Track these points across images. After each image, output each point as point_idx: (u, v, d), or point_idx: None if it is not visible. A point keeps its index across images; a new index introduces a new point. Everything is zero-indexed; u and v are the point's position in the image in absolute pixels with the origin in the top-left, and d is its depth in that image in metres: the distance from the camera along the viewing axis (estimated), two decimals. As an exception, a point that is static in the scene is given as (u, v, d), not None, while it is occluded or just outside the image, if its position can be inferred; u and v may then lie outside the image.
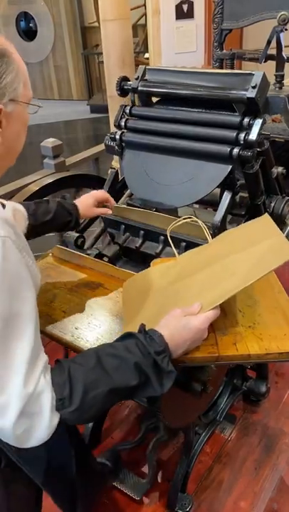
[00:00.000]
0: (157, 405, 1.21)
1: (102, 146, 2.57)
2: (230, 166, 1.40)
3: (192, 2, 3.68)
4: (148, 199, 1.57)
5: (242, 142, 1.36)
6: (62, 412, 0.80)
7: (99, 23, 4.30)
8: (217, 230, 1.39)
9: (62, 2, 7.70)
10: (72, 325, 1.22)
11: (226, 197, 1.43)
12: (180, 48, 3.78)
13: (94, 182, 2.14)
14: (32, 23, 8.09)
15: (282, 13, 1.90)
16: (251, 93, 1.38)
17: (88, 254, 1.51)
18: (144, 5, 4.94)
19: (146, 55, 5.45)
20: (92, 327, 1.21)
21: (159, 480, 1.71)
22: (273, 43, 1.97)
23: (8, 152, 0.93)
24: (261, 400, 1.96)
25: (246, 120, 1.37)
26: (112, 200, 1.51)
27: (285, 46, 1.97)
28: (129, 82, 1.66)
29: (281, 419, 1.92)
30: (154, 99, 1.71)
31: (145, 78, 1.66)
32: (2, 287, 0.77)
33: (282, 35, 1.94)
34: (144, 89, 1.64)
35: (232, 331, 0.99)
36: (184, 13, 3.71)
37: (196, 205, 1.77)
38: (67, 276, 1.38)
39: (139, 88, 1.64)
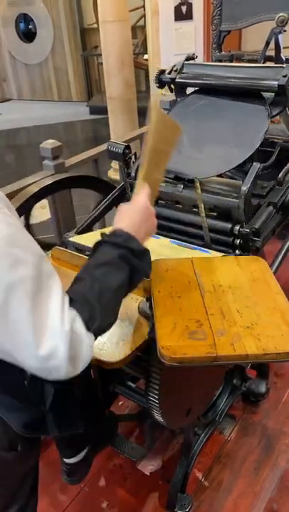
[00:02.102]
0: (157, 406, 1.22)
1: (101, 148, 2.57)
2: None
3: (191, 3, 3.68)
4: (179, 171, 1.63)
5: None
6: (92, 330, 0.86)
7: (98, 25, 4.31)
8: (244, 198, 1.45)
9: (62, 4, 7.71)
10: (71, 326, 1.22)
11: (254, 167, 1.49)
12: (179, 49, 3.78)
13: (93, 183, 2.14)
14: (31, 25, 8.09)
15: (281, 14, 1.91)
16: (282, 81, 1.53)
17: (88, 255, 1.51)
18: (143, 6, 4.94)
19: (146, 56, 5.46)
20: (92, 328, 1.21)
21: (160, 481, 1.71)
22: (272, 45, 1.98)
23: None
24: (261, 401, 1.96)
25: (236, 228, 1.46)
26: None
27: (284, 47, 1.97)
28: (167, 75, 1.85)
29: (280, 420, 1.92)
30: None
31: (183, 71, 1.84)
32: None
33: (280, 36, 1.94)
34: (181, 80, 1.82)
35: (230, 331, 1.00)
36: (182, 14, 3.72)
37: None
38: (67, 278, 1.38)
39: (177, 80, 1.83)
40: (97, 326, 0.87)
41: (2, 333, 0.78)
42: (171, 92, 1.90)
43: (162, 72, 1.87)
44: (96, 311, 0.87)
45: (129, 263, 0.95)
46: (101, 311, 0.88)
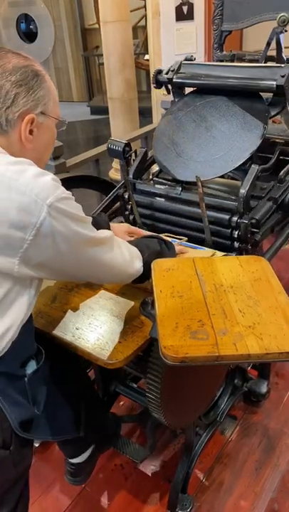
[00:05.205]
0: (158, 406, 1.22)
1: (102, 148, 2.58)
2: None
3: (192, 4, 3.68)
4: (177, 174, 1.64)
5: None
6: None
7: (99, 25, 4.31)
8: (244, 200, 1.44)
9: (63, 4, 7.72)
10: (73, 325, 1.23)
11: (253, 169, 1.48)
12: (180, 50, 3.78)
13: (95, 183, 2.14)
14: (32, 25, 8.09)
15: (282, 14, 1.90)
16: (281, 81, 1.52)
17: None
18: (144, 7, 4.94)
19: (147, 57, 5.46)
20: (93, 327, 1.22)
21: (161, 481, 1.71)
22: (273, 45, 1.97)
23: (38, 160, 1.02)
24: (261, 401, 1.96)
25: (235, 219, 1.47)
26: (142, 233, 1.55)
27: (285, 47, 1.97)
28: (164, 75, 1.82)
29: (281, 420, 1.92)
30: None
31: (180, 71, 1.80)
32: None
33: (281, 36, 1.94)
34: (179, 80, 1.79)
35: (232, 330, 1.00)
36: (183, 14, 3.71)
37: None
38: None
39: (174, 80, 1.79)
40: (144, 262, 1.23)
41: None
42: (169, 92, 1.87)
43: (160, 72, 1.85)
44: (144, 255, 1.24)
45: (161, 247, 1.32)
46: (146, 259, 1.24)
